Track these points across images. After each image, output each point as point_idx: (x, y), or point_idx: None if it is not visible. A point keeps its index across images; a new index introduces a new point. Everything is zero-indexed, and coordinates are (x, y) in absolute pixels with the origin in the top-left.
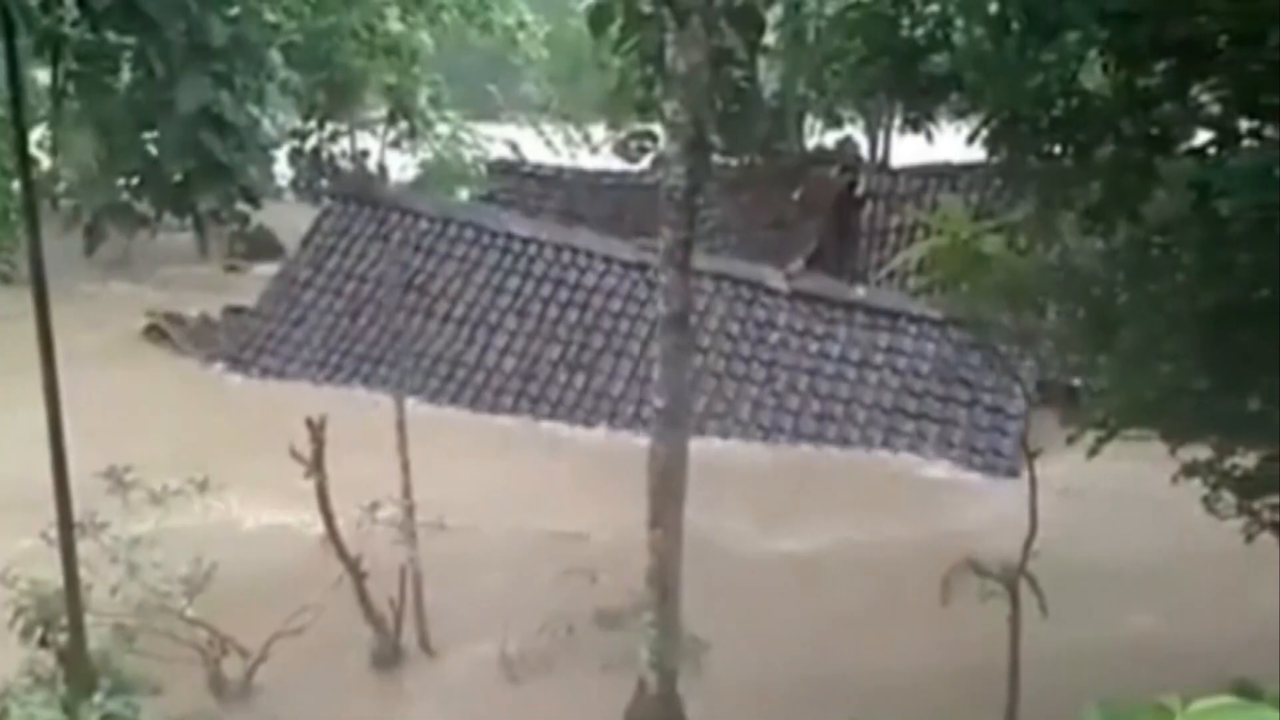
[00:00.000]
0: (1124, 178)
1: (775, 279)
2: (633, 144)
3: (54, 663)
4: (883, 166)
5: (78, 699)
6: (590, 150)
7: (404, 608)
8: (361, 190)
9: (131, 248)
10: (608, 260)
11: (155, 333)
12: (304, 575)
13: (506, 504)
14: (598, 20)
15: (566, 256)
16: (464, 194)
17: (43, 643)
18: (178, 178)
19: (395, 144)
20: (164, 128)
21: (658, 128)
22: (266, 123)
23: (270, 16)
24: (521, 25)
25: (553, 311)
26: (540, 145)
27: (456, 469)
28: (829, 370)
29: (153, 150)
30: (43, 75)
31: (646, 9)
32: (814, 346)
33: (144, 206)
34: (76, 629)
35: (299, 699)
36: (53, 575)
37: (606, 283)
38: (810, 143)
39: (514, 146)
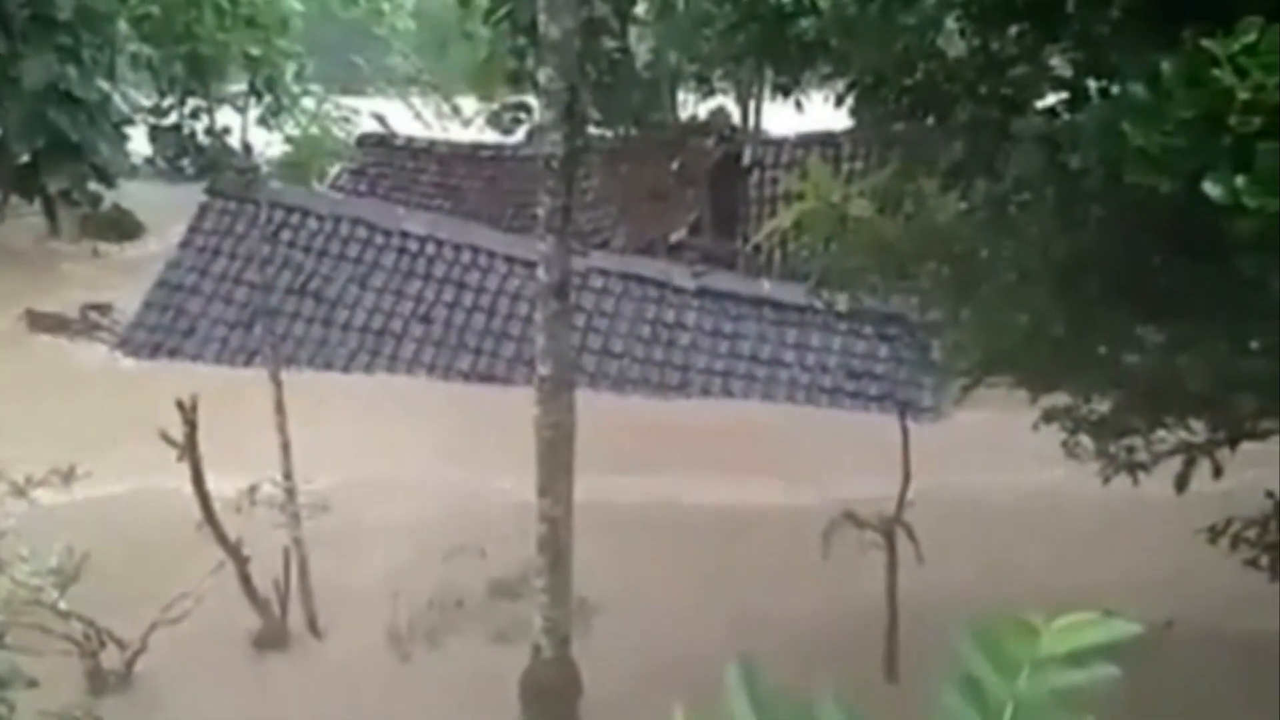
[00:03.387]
0: (980, 138)
1: (683, 277)
2: (506, 116)
3: None
4: (759, 136)
5: None
6: (463, 123)
7: (289, 589)
8: (240, 186)
9: None
10: (510, 260)
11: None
12: (182, 562)
13: (398, 482)
14: None
15: (467, 257)
16: (334, 169)
17: None
18: (25, 158)
19: (261, 120)
20: (9, 105)
21: (530, 99)
22: (118, 98)
23: None
24: None
25: (459, 318)
26: (409, 118)
27: (346, 450)
28: (741, 370)
29: None
30: None
31: None
32: (724, 346)
33: None
34: None
35: (181, 687)
36: None
37: (510, 285)
38: (684, 113)
39: (381, 120)
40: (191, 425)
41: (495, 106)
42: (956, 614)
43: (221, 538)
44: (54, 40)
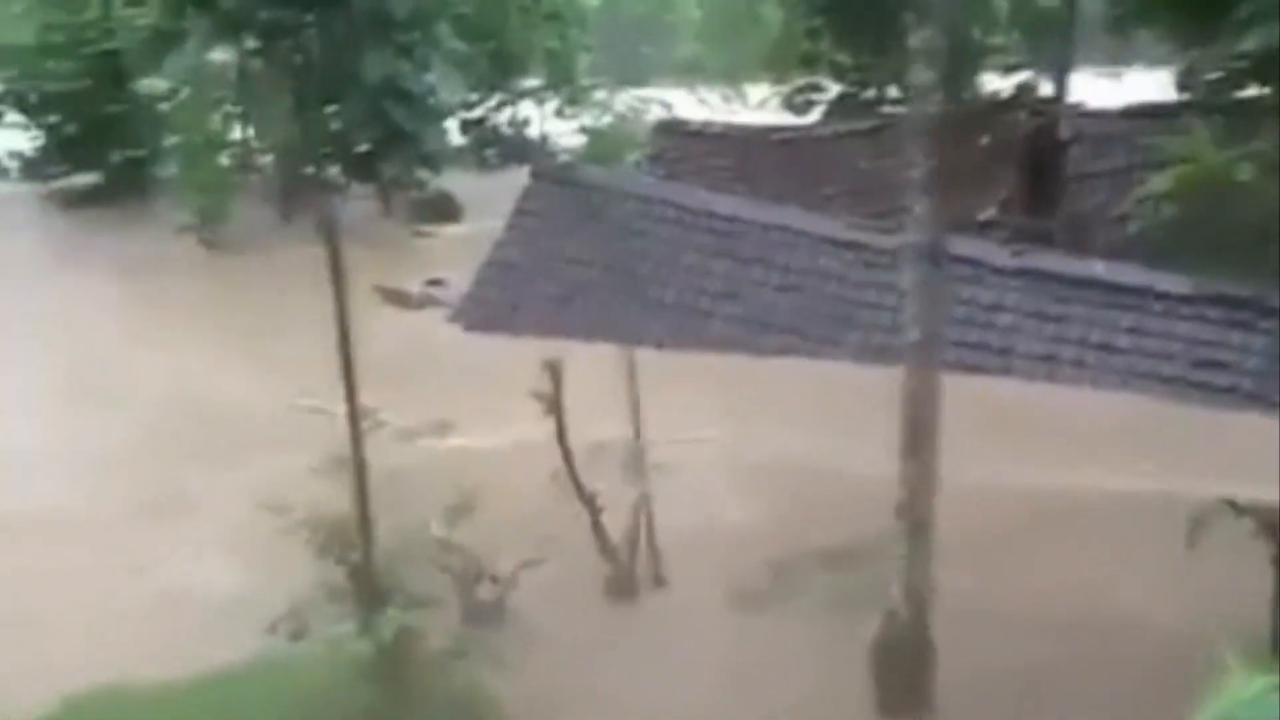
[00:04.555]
0: None
1: (999, 256)
2: (799, 98)
3: (344, 580)
4: (1078, 109)
5: (372, 612)
6: (757, 105)
7: (638, 541)
8: (560, 170)
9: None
10: (816, 239)
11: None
12: (539, 509)
13: (736, 445)
14: None
15: (774, 236)
16: (632, 157)
17: (338, 561)
18: (363, 147)
19: (558, 112)
20: (350, 99)
21: (823, 80)
22: (443, 91)
23: None
24: None
25: (766, 296)
26: (694, 105)
27: (684, 414)
28: (1068, 355)
29: (339, 121)
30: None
31: None
32: (1049, 329)
33: (333, 175)
34: (367, 548)
35: (546, 623)
36: (324, 500)
37: (820, 264)
38: (988, 89)
39: (668, 107)
40: (557, 383)
41: (787, 89)
42: None
43: (580, 489)
44: (391, 38)
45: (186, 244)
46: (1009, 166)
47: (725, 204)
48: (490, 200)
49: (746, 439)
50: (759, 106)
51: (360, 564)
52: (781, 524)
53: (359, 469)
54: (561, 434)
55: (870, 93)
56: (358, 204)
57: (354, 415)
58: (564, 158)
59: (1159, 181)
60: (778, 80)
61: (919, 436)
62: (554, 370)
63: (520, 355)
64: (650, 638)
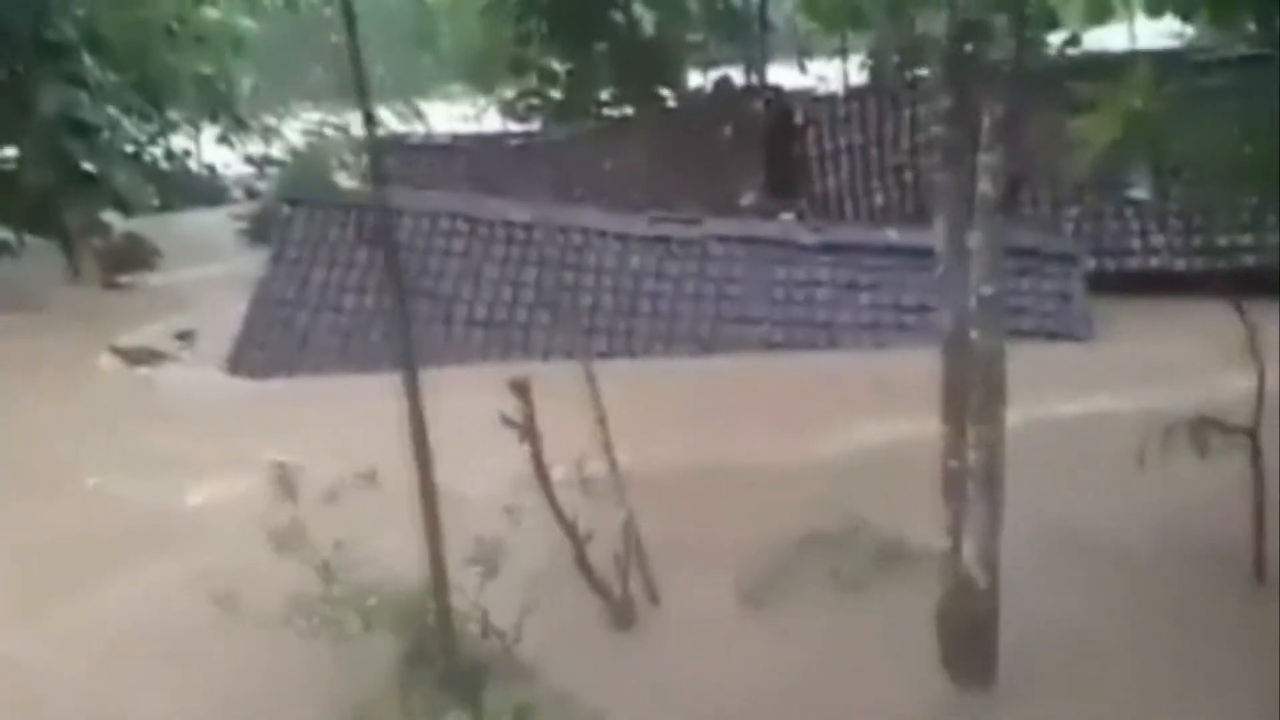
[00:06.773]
0: None
1: (802, 234)
2: (520, 104)
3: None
4: (809, 95)
5: (469, 694)
6: (473, 116)
7: (629, 564)
8: (320, 192)
9: None
10: (622, 238)
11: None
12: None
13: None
14: None
15: (578, 239)
16: (346, 181)
17: (416, 641)
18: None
19: (223, 140)
20: (19, 139)
21: (538, 85)
22: (127, 123)
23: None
24: (329, 2)
25: (584, 301)
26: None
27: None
28: (889, 321)
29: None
30: None
31: None
32: (865, 298)
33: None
34: (446, 621)
35: (559, 668)
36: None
37: (631, 262)
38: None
39: (344, 129)
40: (529, 406)
41: (511, 95)
42: None
43: (562, 520)
44: (63, 66)
45: None
46: (755, 153)
47: (521, 211)
48: (178, 241)
49: (654, 442)
50: (474, 118)
51: (440, 640)
52: (762, 513)
53: (433, 534)
54: (539, 461)
55: (588, 94)
56: (36, 260)
57: (427, 482)
58: (236, 191)
59: (1097, 123)
60: (485, 90)
61: (989, 396)
62: (522, 391)
63: (338, 393)
64: (665, 659)
